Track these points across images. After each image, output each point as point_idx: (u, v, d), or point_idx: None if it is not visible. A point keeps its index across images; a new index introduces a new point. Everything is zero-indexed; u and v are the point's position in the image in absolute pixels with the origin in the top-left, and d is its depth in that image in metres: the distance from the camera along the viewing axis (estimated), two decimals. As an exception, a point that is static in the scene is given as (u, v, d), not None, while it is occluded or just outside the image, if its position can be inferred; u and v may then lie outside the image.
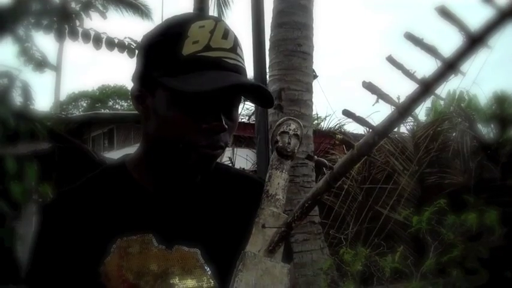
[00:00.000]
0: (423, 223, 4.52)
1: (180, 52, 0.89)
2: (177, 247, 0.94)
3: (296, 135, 0.92)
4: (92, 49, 2.91)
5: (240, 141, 10.63)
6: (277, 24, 5.98)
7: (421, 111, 8.92)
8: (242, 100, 1.00)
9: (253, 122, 6.95)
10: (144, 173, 0.99)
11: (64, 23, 2.86)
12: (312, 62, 6.09)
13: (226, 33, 0.92)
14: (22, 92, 2.63)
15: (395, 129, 7.71)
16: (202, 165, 0.94)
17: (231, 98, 0.94)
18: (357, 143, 0.68)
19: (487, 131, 7.44)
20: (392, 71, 0.56)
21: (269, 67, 5.86)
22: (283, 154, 0.91)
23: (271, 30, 6.03)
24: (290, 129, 0.92)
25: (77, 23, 2.89)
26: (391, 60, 0.53)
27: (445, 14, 0.48)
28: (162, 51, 0.91)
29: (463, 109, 7.65)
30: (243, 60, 0.95)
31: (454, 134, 7.45)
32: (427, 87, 0.55)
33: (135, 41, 2.87)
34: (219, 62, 0.90)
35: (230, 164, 8.64)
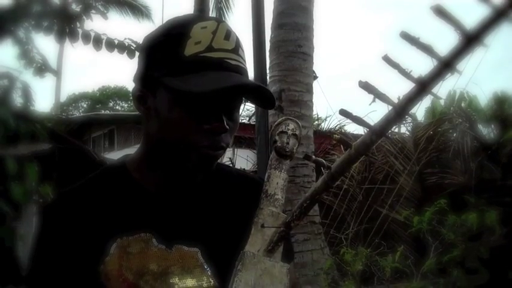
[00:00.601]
0: (424, 223, 4.52)
1: (182, 53, 0.89)
2: (176, 247, 0.94)
3: (295, 135, 0.92)
4: (92, 50, 2.92)
5: (241, 142, 10.63)
6: (277, 26, 5.99)
7: (420, 112, 8.92)
8: (243, 101, 1.00)
9: (254, 123, 6.95)
10: (145, 173, 0.99)
11: (64, 24, 2.86)
12: (312, 63, 6.10)
13: (228, 34, 0.93)
14: (22, 93, 2.62)
15: (396, 130, 7.71)
16: (203, 165, 0.94)
17: (233, 98, 0.94)
18: (355, 143, 0.68)
19: (487, 131, 7.45)
20: (390, 71, 0.56)
21: (269, 68, 5.87)
22: (281, 154, 0.91)
23: (272, 32, 6.04)
24: (288, 129, 0.92)
25: (77, 24, 2.90)
26: (387, 59, 0.53)
27: (441, 13, 0.48)
28: (164, 51, 0.92)
29: (464, 109, 7.65)
30: (244, 61, 0.95)
31: (454, 135, 7.45)
32: (423, 86, 0.55)
33: (135, 42, 2.87)
34: (221, 62, 0.90)
35: (231, 165, 8.64)
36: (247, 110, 12.71)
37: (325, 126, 10.67)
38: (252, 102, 1.01)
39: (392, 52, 0.57)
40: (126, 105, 32.37)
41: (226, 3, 13.71)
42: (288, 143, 0.91)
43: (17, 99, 2.64)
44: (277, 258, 0.82)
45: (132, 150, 1.09)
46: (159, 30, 0.96)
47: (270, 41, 5.99)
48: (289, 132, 0.92)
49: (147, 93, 0.95)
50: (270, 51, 5.93)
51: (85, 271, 0.90)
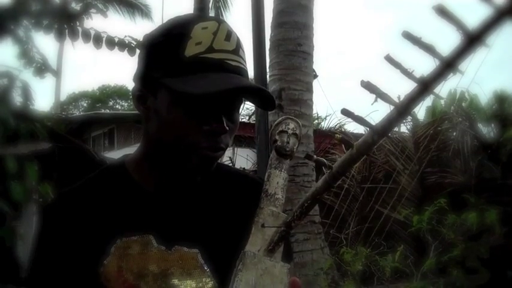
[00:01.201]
0: (424, 223, 4.52)
1: (182, 53, 0.89)
2: (176, 247, 0.94)
3: (295, 134, 0.92)
4: (92, 49, 2.91)
5: (241, 141, 10.63)
6: (277, 24, 5.99)
7: (421, 111, 8.92)
8: (243, 101, 1.00)
9: (254, 122, 6.95)
10: (144, 173, 0.99)
11: (64, 23, 2.86)
12: (312, 62, 6.10)
13: (229, 34, 0.92)
14: (22, 92, 2.62)
15: (396, 129, 7.71)
16: (203, 166, 0.94)
17: (233, 100, 0.94)
18: (356, 143, 0.67)
19: (487, 130, 7.45)
20: (391, 70, 0.56)
21: (269, 67, 5.87)
22: (282, 153, 0.90)
23: (272, 30, 6.03)
24: (289, 129, 0.92)
25: (77, 23, 2.89)
26: (389, 59, 0.53)
27: (443, 12, 0.48)
28: (165, 52, 0.91)
29: (464, 109, 7.65)
30: (245, 62, 0.95)
31: (454, 134, 7.45)
32: (425, 86, 0.55)
33: (135, 40, 2.86)
34: (221, 64, 0.90)
35: (231, 164, 8.64)
36: (247, 109, 12.73)
37: (325, 125, 10.68)
38: (252, 103, 1.01)
39: (394, 52, 0.56)
40: (126, 104, 32.39)
41: (224, 3, 13.72)
42: (288, 143, 0.90)
43: (17, 99, 2.64)
44: (278, 258, 0.81)
45: (132, 149, 1.09)
46: (160, 30, 0.95)
47: (270, 39, 5.98)
48: (290, 131, 0.92)
49: (147, 93, 0.95)
50: (269, 50, 5.93)
51: (85, 272, 0.90)
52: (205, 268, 0.95)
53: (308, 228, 5.54)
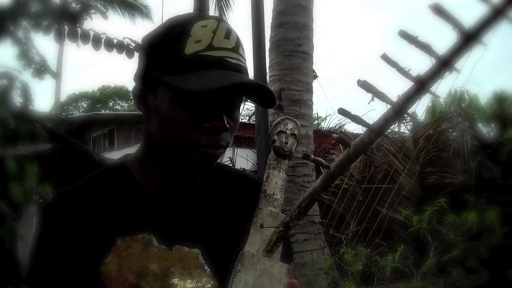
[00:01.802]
0: (424, 223, 4.52)
1: (182, 51, 0.89)
2: (177, 247, 0.94)
3: (293, 134, 0.92)
4: (91, 50, 2.91)
5: (241, 142, 10.63)
6: (277, 25, 5.98)
7: (420, 111, 8.93)
8: (243, 100, 1.00)
9: (254, 122, 6.95)
10: (145, 172, 0.99)
11: (64, 24, 2.85)
12: (312, 62, 6.09)
13: (229, 33, 0.92)
14: (22, 92, 2.62)
15: (396, 129, 7.71)
16: (203, 164, 0.94)
17: (233, 97, 0.94)
18: (353, 142, 0.67)
19: (487, 130, 7.45)
20: (388, 70, 0.56)
21: (269, 67, 5.87)
22: (280, 154, 0.90)
23: (271, 31, 6.03)
24: (287, 129, 0.92)
25: (77, 23, 2.89)
26: (385, 58, 0.53)
27: (439, 11, 0.48)
28: (165, 50, 0.92)
29: (464, 109, 7.65)
30: (244, 60, 0.95)
31: (454, 134, 7.45)
32: (422, 85, 0.55)
33: (134, 41, 2.86)
34: (221, 61, 0.90)
35: (231, 164, 8.64)
36: (247, 109, 12.72)
37: (325, 125, 10.69)
38: (252, 101, 1.01)
39: (392, 51, 0.57)
40: (126, 104, 32.38)
41: (226, 2, 13.71)
42: (286, 143, 0.90)
43: (17, 99, 2.64)
44: (277, 258, 0.81)
45: (132, 149, 1.09)
46: (159, 29, 0.96)
47: (270, 40, 5.98)
48: (288, 131, 0.92)
49: (147, 92, 0.95)
50: (269, 50, 5.93)
51: (85, 271, 0.90)
52: (206, 268, 0.95)
53: (308, 229, 5.54)
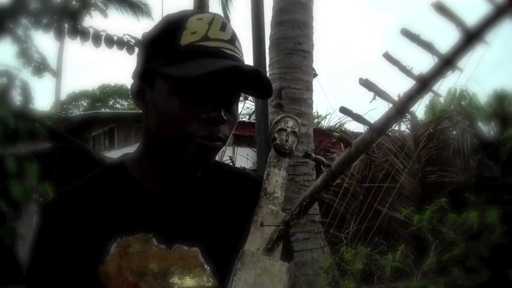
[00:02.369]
0: (424, 222, 4.51)
1: (178, 42, 0.90)
2: (176, 246, 0.94)
3: (294, 132, 0.92)
4: (91, 47, 2.91)
5: (241, 140, 10.64)
6: (277, 23, 5.97)
7: (420, 110, 8.92)
8: (242, 100, 0.99)
9: (254, 121, 6.95)
10: (144, 171, 0.99)
11: (64, 21, 2.85)
12: (312, 61, 6.08)
13: (224, 25, 0.93)
14: (22, 91, 2.62)
15: (396, 128, 7.71)
16: (201, 156, 0.93)
17: (230, 86, 0.93)
18: (355, 141, 0.67)
19: (487, 129, 7.44)
20: (391, 68, 0.56)
21: (269, 66, 5.86)
22: (281, 152, 0.90)
23: (271, 29, 6.02)
24: (288, 127, 0.92)
25: (77, 21, 2.89)
26: (387, 57, 0.53)
27: (442, 10, 0.48)
28: (161, 43, 0.92)
29: (464, 107, 7.64)
30: (241, 53, 0.95)
31: (454, 132, 7.45)
32: (424, 83, 0.55)
33: (134, 38, 2.86)
34: (217, 51, 0.90)
35: (231, 163, 8.64)
36: (247, 108, 12.73)
37: (325, 124, 10.68)
38: (248, 93, 1.00)
39: (393, 49, 0.56)
40: (126, 103, 32.39)
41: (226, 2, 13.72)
42: (287, 141, 0.90)
43: (17, 98, 2.64)
44: (277, 256, 0.81)
45: (132, 148, 1.09)
46: (156, 25, 0.96)
47: (270, 38, 5.97)
48: (288, 129, 0.91)
49: (145, 87, 0.95)
50: (269, 48, 5.92)
51: (85, 271, 0.90)
52: (206, 267, 0.94)
53: (308, 228, 5.54)
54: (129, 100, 30.57)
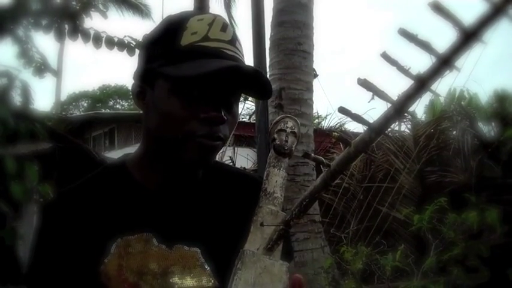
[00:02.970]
0: (424, 221, 4.51)
1: (178, 43, 0.90)
2: (177, 246, 0.94)
3: (293, 132, 0.92)
4: (92, 48, 2.91)
5: (241, 141, 10.64)
6: (277, 23, 5.98)
7: (420, 110, 8.92)
8: (242, 100, 1.00)
9: (254, 121, 6.94)
10: (145, 171, 0.99)
11: (64, 22, 2.85)
12: (312, 61, 6.09)
13: (225, 26, 0.93)
14: (22, 91, 2.62)
15: (396, 128, 7.71)
16: (201, 156, 0.93)
17: (230, 86, 0.93)
18: (354, 141, 0.67)
19: (487, 129, 7.42)
20: (389, 68, 0.56)
21: (269, 66, 5.86)
22: (280, 152, 0.90)
23: (271, 29, 6.02)
24: (287, 127, 0.92)
25: (77, 22, 2.89)
26: (385, 56, 0.53)
27: (439, 9, 0.48)
28: (161, 44, 0.92)
29: (464, 107, 7.63)
30: (242, 54, 0.95)
31: (454, 132, 7.44)
32: (422, 83, 0.55)
33: (135, 39, 2.86)
34: (217, 52, 0.90)
35: (231, 163, 8.64)
36: (247, 108, 12.73)
37: (325, 124, 10.67)
38: (248, 93, 1.00)
39: (392, 49, 0.56)
40: (126, 104, 32.41)
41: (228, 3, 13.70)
42: (286, 141, 0.90)
43: (17, 98, 2.64)
44: (277, 256, 0.81)
45: (132, 149, 1.09)
46: (157, 26, 0.97)
47: (270, 38, 5.98)
48: (288, 130, 0.92)
49: (145, 87, 0.95)
50: (269, 49, 5.92)
51: (85, 271, 0.90)
52: (206, 267, 0.95)
53: (308, 228, 5.54)
54: (130, 101, 30.61)
